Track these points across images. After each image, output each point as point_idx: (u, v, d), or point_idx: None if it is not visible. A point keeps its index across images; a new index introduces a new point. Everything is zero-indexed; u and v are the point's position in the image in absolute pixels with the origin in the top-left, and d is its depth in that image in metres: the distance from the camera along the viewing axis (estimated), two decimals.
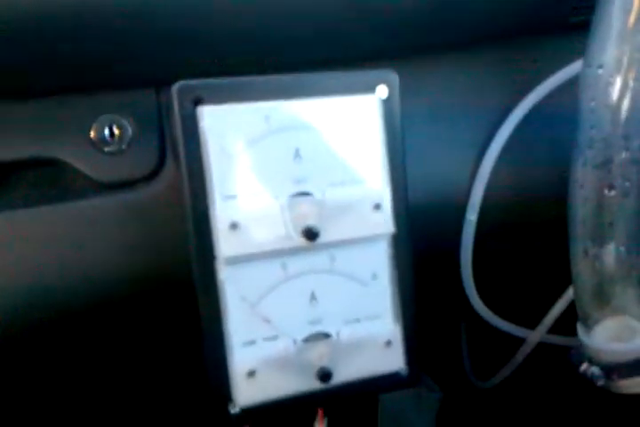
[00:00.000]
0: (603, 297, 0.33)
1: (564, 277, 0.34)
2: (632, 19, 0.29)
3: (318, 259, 0.28)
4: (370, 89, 0.28)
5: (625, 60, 0.29)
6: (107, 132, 0.29)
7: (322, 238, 0.27)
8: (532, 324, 0.39)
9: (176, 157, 0.27)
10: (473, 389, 0.46)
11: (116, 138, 0.29)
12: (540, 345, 0.40)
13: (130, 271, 0.29)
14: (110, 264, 0.29)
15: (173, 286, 0.30)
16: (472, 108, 0.34)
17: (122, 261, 0.29)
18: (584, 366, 0.35)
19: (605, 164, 0.30)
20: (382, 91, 0.28)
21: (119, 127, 0.29)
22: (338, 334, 0.28)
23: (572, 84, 0.32)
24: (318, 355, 0.28)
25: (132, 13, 0.26)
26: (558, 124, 0.34)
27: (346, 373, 0.28)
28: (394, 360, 0.29)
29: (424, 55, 0.33)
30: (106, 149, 0.29)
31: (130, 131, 0.29)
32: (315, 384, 0.28)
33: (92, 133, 0.29)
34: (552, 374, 0.45)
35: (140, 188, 0.29)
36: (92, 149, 0.29)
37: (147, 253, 0.29)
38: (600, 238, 0.31)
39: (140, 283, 0.29)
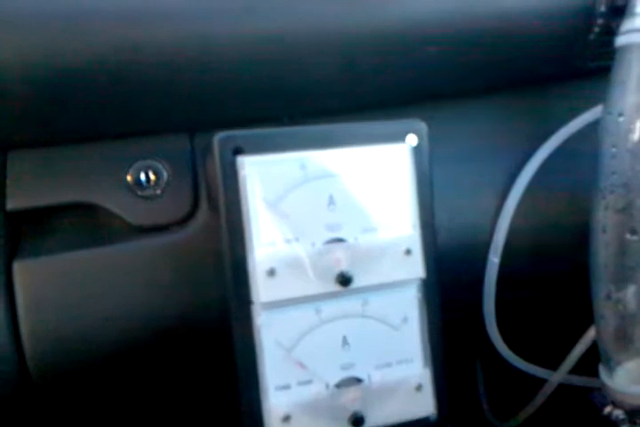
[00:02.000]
0: (625, 339, 0.33)
1: (584, 320, 0.34)
2: None
3: (351, 304, 0.28)
4: (400, 138, 0.29)
5: None
6: (142, 176, 0.30)
7: (354, 284, 0.28)
8: (551, 365, 0.39)
9: (214, 203, 0.28)
10: None
11: (152, 182, 0.30)
12: (560, 386, 0.40)
13: (162, 315, 0.30)
14: (143, 307, 0.29)
15: (204, 330, 0.30)
16: (495, 152, 0.35)
17: (155, 304, 0.30)
18: (608, 409, 0.35)
19: (627, 208, 0.31)
20: (412, 139, 0.29)
21: (154, 172, 0.30)
22: (369, 378, 0.29)
23: (592, 129, 0.33)
24: (350, 400, 0.28)
25: (166, 66, 0.27)
26: (578, 168, 0.35)
27: (377, 417, 0.29)
28: (424, 405, 0.29)
29: (450, 101, 0.33)
30: (141, 194, 0.30)
31: (165, 175, 0.30)
32: None
33: (129, 178, 0.30)
34: (573, 415, 0.45)
35: (174, 231, 0.30)
36: (128, 194, 0.29)
37: (179, 297, 0.30)
38: (623, 282, 0.32)
39: (172, 326, 0.30)
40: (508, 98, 0.35)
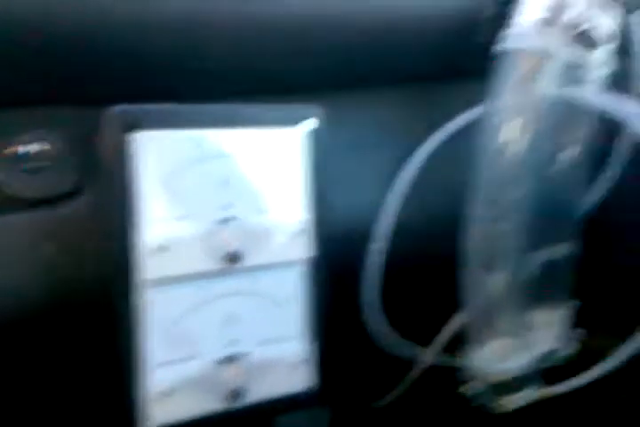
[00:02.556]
0: (489, 321, 0.36)
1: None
2: (527, 71, 0.33)
3: (239, 282, 0.29)
4: (297, 122, 0.30)
5: (519, 107, 0.33)
6: (30, 148, 0.28)
7: (244, 262, 0.28)
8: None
9: (105, 178, 0.27)
10: (367, 407, 0.48)
11: (40, 154, 0.28)
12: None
13: (47, 288, 0.29)
14: (27, 281, 0.28)
15: (90, 306, 0.29)
16: (389, 142, 0.37)
17: (39, 279, 0.28)
18: (471, 385, 0.38)
19: (496, 200, 0.34)
20: (308, 124, 0.30)
21: (43, 144, 0.29)
22: (253, 354, 0.29)
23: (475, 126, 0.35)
24: (233, 375, 0.29)
25: (67, 31, 0.26)
26: (460, 162, 0.37)
27: (259, 392, 0.30)
28: (304, 379, 0.31)
29: (348, 91, 0.35)
30: (28, 166, 0.28)
31: (54, 148, 0.29)
32: (227, 404, 0.29)
33: (15, 149, 0.28)
34: (444, 392, 0.48)
35: (61, 205, 0.29)
36: (13, 165, 0.28)
37: (64, 271, 0.29)
38: (489, 267, 0.35)
39: (57, 301, 0.29)
40: (404, 91, 0.37)
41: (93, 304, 0.29)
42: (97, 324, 0.29)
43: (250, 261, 0.29)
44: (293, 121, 0.30)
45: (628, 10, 0.35)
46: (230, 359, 0.29)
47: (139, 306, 0.27)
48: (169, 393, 0.27)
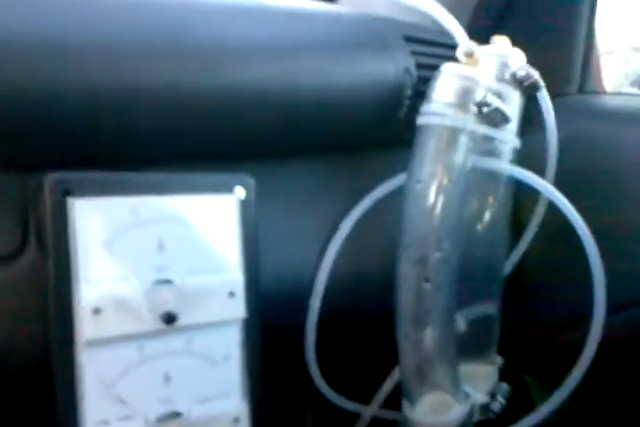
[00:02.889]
0: (422, 375, 0.38)
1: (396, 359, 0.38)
2: (443, 144, 0.36)
3: (175, 342, 0.30)
4: (229, 189, 0.32)
5: (438, 176, 0.36)
6: None
7: (179, 322, 0.30)
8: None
9: (42, 242, 0.29)
10: None
11: None
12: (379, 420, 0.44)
13: None
14: None
15: (23, 369, 0.30)
16: (319, 206, 0.39)
17: None
18: None
19: (422, 261, 0.36)
20: (240, 191, 0.33)
21: None
22: (189, 412, 0.30)
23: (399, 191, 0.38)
24: None
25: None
26: (389, 225, 0.40)
27: None
28: None
29: (280, 159, 0.37)
30: None
31: None
32: None
33: None
34: None
35: None
36: None
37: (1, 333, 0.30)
38: (419, 323, 0.37)
39: None
40: (332, 160, 0.40)
41: (30, 368, 0.30)
42: (35, 385, 0.29)
43: (186, 321, 0.30)
44: (226, 188, 0.32)
45: (532, 90, 0.40)
46: (167, 418, 0.30)
47: (74, 367, 0.28)
48: None
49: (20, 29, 0.28)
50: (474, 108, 0.35)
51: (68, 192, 0.28)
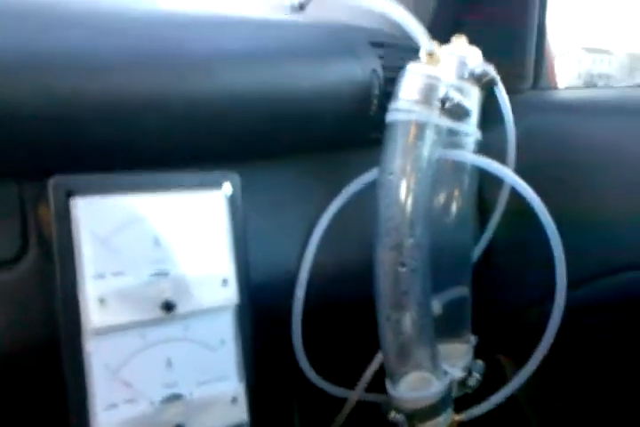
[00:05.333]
0: (404, 355, 0.40)
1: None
2: (411, 138, 0.39)
3: (174, 329, 0.32)
4: (217, 186, 0.35)
5: (408, 168, 0.39)
6: None
7: (177, 310, 0.32)
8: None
9: (46, 242, 0.30)
10: None
11: None
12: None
13: None
14: None
15: (30, 370, 0.32)
16: (301, 201, 0.42)
17: None
18: (392, 415, 0.42)
19: (398, 247, 0.39)
20: (227, 188, 0.35)
21: None
22: (191, 394, 0.33)
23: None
24: (173, 414, 0.32)
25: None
26: (366, 215, 0.42)
27: None
28: (239, 415, 0.34)
29: (262, 159, 0.40)
30: None
31: None
32: None
33: None
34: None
35: (2, 271, 0.31)
36: None
37: (9, 333, 0.31)
38: (398, 306, 0.40)
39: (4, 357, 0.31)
40: (311, 158, 0.43)
41: (35, 367, 0.31)
42: (37, 385, 0.31)
43: (183, 308, 0.32)
44: (213, 185, 0.34)
45: (490, 86, 0.43)
46: (171, 400, 0.32)
47: (83, 354, 0.30)
48: None
49: (11, 43, 0.29)
50: (437, 104, 0.39)
51: (71, 193, 0.30)
